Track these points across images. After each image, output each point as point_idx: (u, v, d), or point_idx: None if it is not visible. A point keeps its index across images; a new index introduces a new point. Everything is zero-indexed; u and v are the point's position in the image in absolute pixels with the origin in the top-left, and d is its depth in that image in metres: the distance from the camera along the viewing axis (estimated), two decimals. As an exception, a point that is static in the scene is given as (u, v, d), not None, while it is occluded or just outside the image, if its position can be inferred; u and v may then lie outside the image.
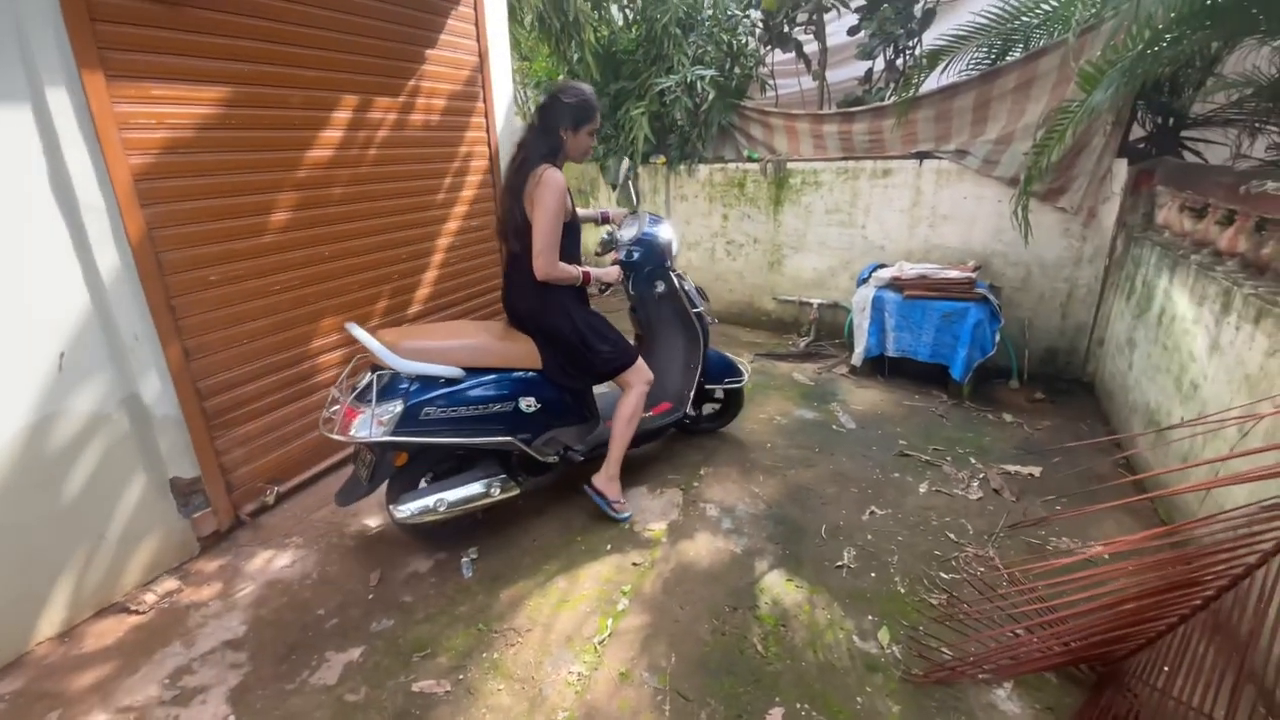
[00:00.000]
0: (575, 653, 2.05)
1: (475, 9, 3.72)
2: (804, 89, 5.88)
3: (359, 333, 2.21)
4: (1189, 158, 3.86)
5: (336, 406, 2.23)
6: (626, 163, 3.22)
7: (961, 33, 4.02)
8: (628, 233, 2.89)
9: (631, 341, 2.82)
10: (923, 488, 2.99)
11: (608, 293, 2.67)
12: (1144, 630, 1.70)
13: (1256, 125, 3.50)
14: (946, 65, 4.12)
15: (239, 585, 2.40)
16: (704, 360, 3.05)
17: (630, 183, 3.16)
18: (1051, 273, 4.13)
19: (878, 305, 4.11)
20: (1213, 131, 3.80)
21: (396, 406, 2.18)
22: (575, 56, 5.74)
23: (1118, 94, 2.91)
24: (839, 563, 2.47)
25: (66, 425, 2.07)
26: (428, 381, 2.26)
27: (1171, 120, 3.86)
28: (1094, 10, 3.38)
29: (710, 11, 5.56)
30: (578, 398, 2.72)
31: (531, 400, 2.48)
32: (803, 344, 5.06)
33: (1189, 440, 2.48)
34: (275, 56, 2.60)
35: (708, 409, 3.50)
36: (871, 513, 2.80)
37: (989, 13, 3.90)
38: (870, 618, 2.19)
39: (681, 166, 5.62)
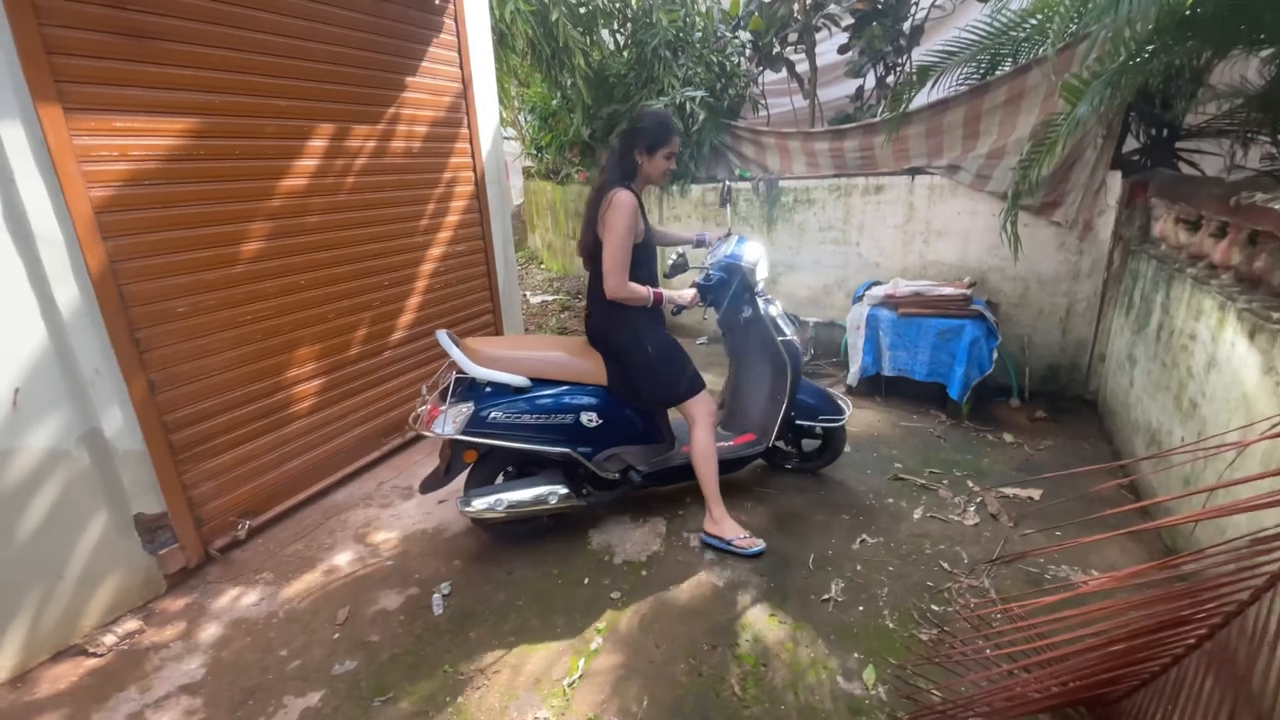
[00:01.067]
0: (543, 696, 1.96)
1: (458, 36, 3.73)
2: (796, 108, 5.87)
3: (444, 339, 2.43)
4: (1185, 169, 3.78)
5: (425, 405, 2.47)
6: (726, 184, 3.11)
7: (950, 48, 3.97)
8: (715, 255, 2.82)
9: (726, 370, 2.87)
10: (917, 513, 2.88)
11: (680, 314, 2.66)
12: (1138, 670, 1.59)
13: (1248, 135, 3.42)
14: (936, 81, 4.07)
15: (203, 625, 2.33)
16: (792, 392, 2.83)
17: (727, 204, 3.09)
18: (1050, 287, 4.03)
19: (872, 323, 4.03)
20: (1207, 142, 3.71)
21: (468, 408, 2.38)
22: (568, 81, 5.77)
23: (1104, 106, 2.84)
24: (826, 595, 2.37)
25: (21, 463, 2.03)
26: (499, 388, 2.45)
27: (1165, 132, 3.79)
28: (1074, 24, 3.33)
29: (700, 34, 5.58)
30: (646, 419, 2.72)
31: (593, 416, 2.56)
32: (798, 364, 4.96)
33: (1190, 464, 2.37)
34: (245, 87, 2.59)
35: (806, 445, 3.27)
36: (862, 541, 2.69)
37: (977, 28, 3.86)
38: (856, 655, 2.08)
39: (674, 187, 5.60)
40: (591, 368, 2.58)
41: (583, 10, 5.59)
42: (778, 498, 3.03)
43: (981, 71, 4.04)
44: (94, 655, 2.17)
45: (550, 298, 7.45)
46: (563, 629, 2.24)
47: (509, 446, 2.46)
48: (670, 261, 2.92)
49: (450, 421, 2.36)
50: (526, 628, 2.25)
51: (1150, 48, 2.61)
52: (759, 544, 2.59)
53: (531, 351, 2.56)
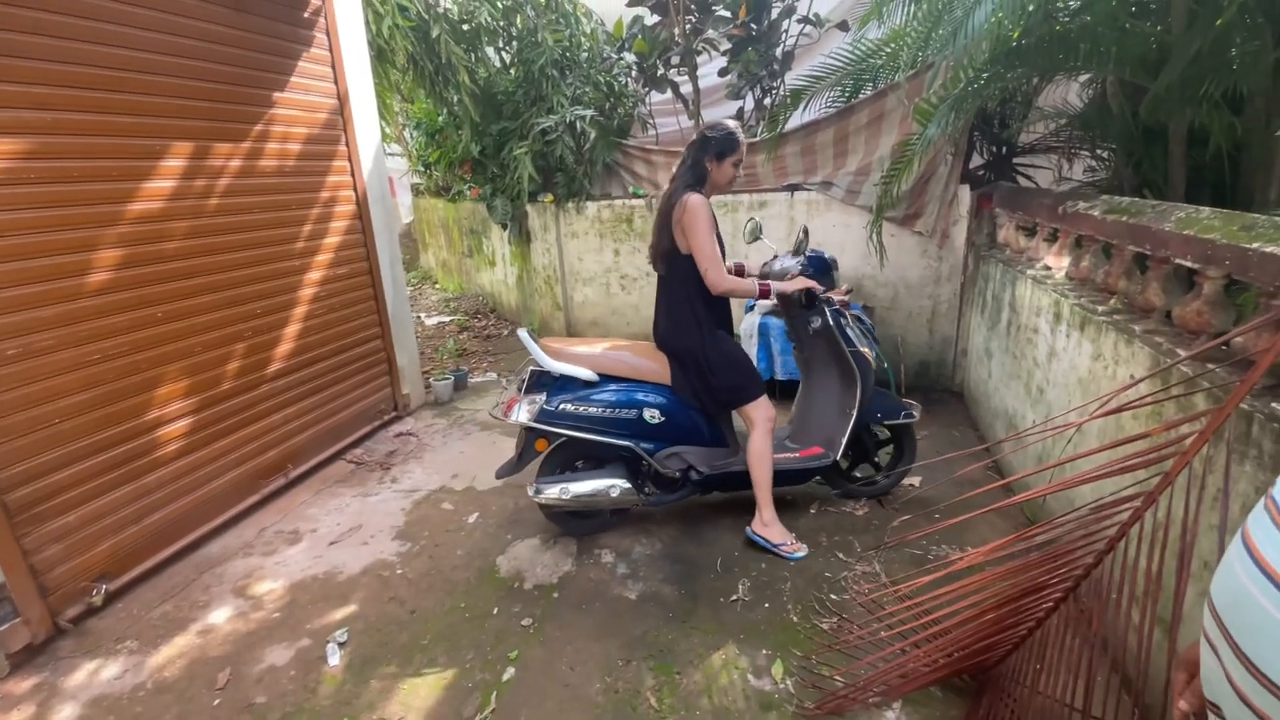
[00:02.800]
0: (453, 736, 1.88)
1: (331, 50, 3.57)
2: (683, 127, 6.06)
3: (524, 336, 2.62)
4: (1022, 182, 4.26)
5: (506, 395, 2.68)
6: (755, 221, 3.07)
7: (819, 73, 4.28)
8: (785, 263, 2.87)
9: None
10: (813, 509, 3.02)
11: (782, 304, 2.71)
12: (1009, 636, 1.75)
13: (1072, 151, 3.91)
14: (808, 103, 4.36)
15: (55, 706, 2.04)
16: (863, 404, 2.75)
17: (758, 241, 3.08)
18: (916, 291, 4.39)
19: (763, 331, 4.21)
20: (1039, 158, 4.22)
21: (540, 399, 2.58)
22: (454, 98, 5.66)
23: (950, 127, 3.16)
24: (734, 596, 2.43)
25: None
26: (569, 381, 2.61)
27: (1004, 149, 4.26)
28: (922, 53, 3.69)
29: (586, 54, 5.66)
30: (709, 421, 2.77)
31: (656, 413, 2.66)
32: (698, 374, 5.09)
33: (1041, 443, 2.66)
34: (80, 103, 2.34)
35: (861, 471, 3.15)
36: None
37: (841, 55, 4.18)
38: (764, 652, 2.15)
39: (570, 205, 5.61)
40: (657, 367, 2.70)
41: (465, 27, 5.52)
42: (681, 504, 3.07)
43: (847, 95, 4.37)
44: (-90, 761, 1.86)
45: (447, 318, 7.23)
46: (472, 663, 2.16)
47: (576, 436, 2.60)
48: (746, 228, 2.95)
49: (524, 410, 2.58)
50: (434, 666, 2.15)
51: (985, 75, 2.94)
52: (803, 549, 2.67)
53: (601, 350, 2.72)
